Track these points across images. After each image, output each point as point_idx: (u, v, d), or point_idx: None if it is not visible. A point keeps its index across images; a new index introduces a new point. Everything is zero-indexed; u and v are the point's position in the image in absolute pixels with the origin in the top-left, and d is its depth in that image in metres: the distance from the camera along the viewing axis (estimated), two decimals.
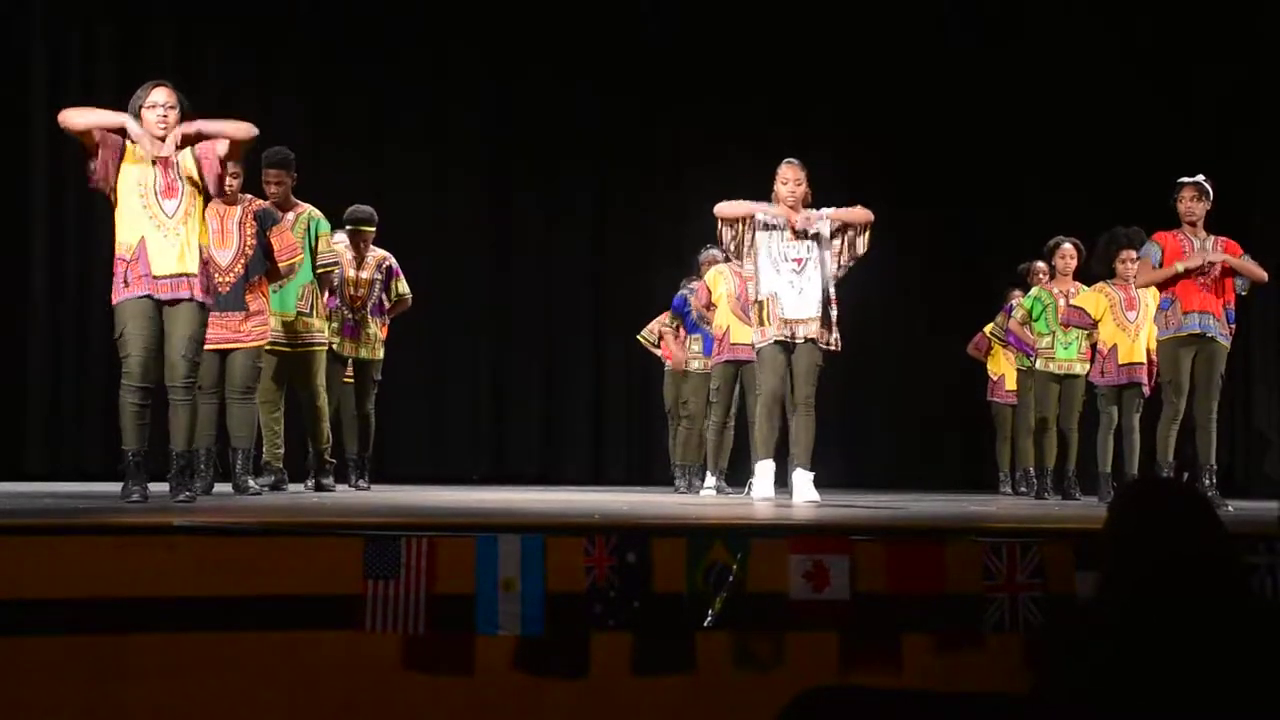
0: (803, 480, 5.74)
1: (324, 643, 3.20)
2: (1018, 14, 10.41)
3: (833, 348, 5.82)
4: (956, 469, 10.10)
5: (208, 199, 5.01)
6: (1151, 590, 2.14)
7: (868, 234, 5.81)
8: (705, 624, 3.37)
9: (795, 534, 3.57)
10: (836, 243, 5.82)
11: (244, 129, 4.93)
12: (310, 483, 6.69)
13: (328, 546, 3.27)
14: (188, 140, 4.85)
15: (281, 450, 6.55)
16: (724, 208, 5.85)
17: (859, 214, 5.83)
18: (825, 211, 5.86)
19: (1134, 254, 6.87)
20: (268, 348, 6.24)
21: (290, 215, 6.42)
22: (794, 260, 5.78)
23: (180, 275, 4.81)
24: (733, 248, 5.96)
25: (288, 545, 3.26)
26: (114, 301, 4.84)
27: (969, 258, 10.48)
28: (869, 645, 3.43)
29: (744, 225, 5.83)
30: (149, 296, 4.77)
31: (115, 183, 4.80)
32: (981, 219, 10.39)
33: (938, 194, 10.29)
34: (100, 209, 5.58)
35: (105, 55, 9.03)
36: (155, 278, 4.77)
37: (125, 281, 4.79)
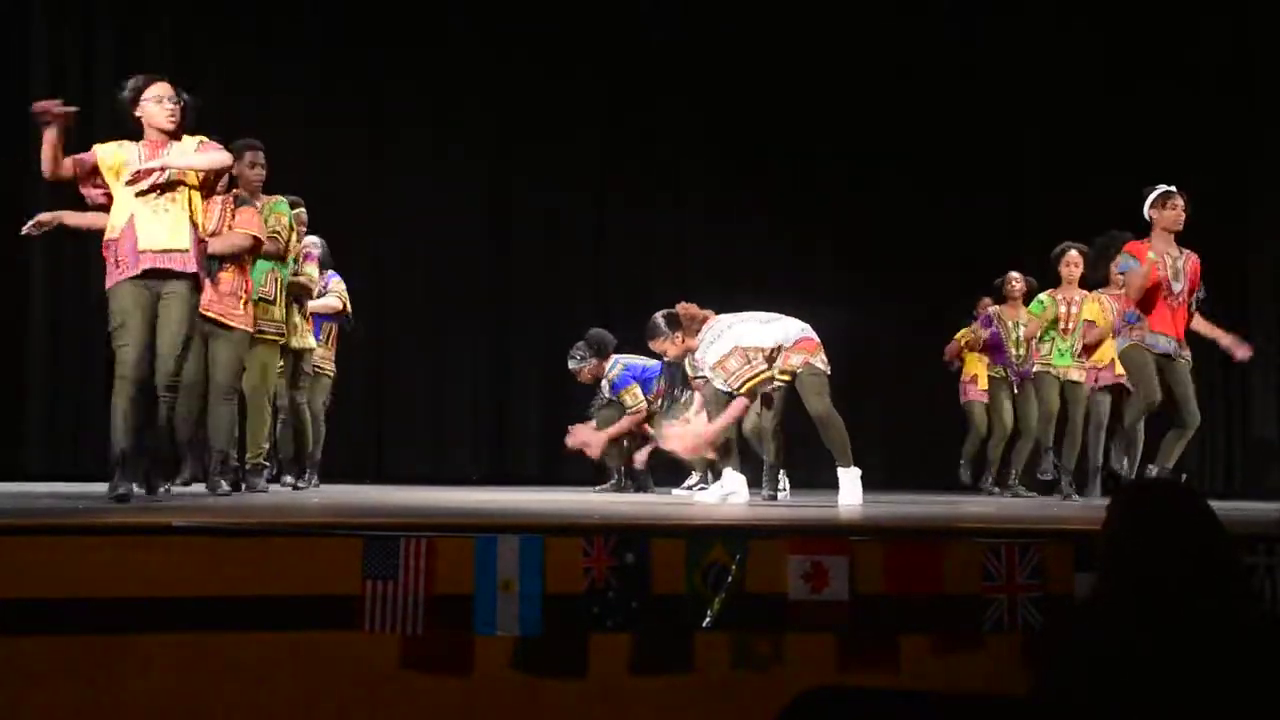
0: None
1: (323, 643, 3.20)
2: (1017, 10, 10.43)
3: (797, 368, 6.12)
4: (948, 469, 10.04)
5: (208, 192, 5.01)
6: (1150, 591, 2.14)
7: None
8: (704, 625, 3.36)
9: (794, 535, 3.57)
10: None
11: (215, 161, 4.86)
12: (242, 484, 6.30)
13: (327, 547, 3.27)
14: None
15: (234, 451, 6.27)
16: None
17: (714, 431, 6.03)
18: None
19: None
20: None
21: (258, 204, 6.15)
22: None
23: (171, 250, 4.77)
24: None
25: (287, 545, 3.26)
26: (107, 287, 4.81)
27: (966, 258, 10.46)
28: (868, 646, 3.43)
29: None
30: (141, 277, 4.73)
31: (106, 186, 4.85)
32: (981, 217, 10.39)
33: (939, 190, 10.31)
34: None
35: (105, 55, 9.02)
36: (142, 252, 4.74)
37: (116, 263, 4.77)
